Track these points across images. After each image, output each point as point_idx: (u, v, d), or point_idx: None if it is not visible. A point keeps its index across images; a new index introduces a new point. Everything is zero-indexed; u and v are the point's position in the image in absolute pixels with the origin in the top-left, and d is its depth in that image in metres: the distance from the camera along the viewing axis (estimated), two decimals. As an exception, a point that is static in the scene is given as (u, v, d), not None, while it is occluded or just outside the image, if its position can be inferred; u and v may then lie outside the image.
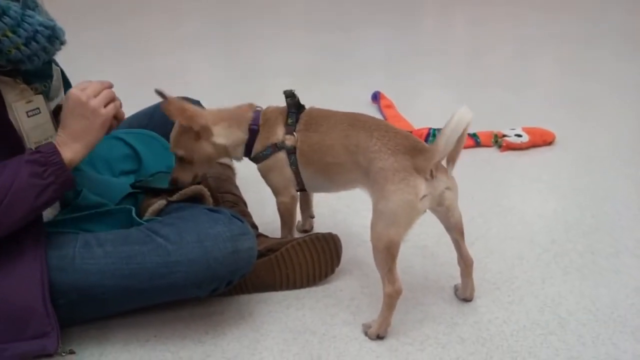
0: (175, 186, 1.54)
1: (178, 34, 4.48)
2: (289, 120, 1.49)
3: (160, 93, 1.46)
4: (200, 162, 1.53)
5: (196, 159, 1.51)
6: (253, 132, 1.51)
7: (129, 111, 1.87)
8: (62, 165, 1.25)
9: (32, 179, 1.23)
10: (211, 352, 1.38)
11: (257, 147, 1.52)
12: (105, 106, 1.30)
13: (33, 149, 1.34)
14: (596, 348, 1.35)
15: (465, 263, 1.47)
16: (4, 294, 1.24)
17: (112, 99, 1.32)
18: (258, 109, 1.54)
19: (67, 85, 1.45)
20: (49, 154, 1.25)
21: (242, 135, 1.52)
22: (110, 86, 1.34)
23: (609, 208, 1.93)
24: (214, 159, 1.57)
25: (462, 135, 1.28)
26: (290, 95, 1.52)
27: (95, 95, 1.29)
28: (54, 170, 1.24)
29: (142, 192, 1.60)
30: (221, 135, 1.50)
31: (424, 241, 1.75)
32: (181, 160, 1.51)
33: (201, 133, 1.47)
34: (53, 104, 1.42)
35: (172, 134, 1.51)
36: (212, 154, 1.53)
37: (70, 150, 1.28)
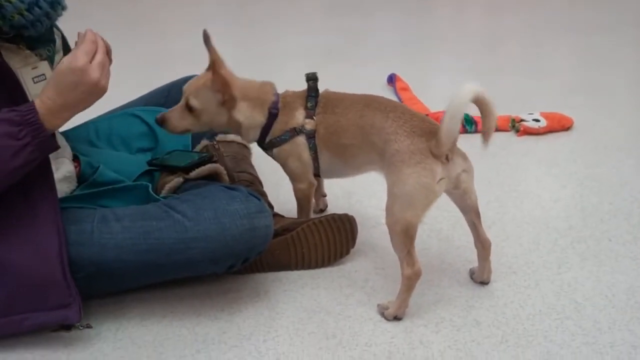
0: (160, 124, 1.48)
1: (194, 15, 4.46)
2: (309, 104, 1.48)
3: (206, 36, 1.44)
4: (205, 123, 1.49)
5: (204, 119, 1.48)
6: (272, 116, 1.49)
7: (144, 91, 1.88)
8: (40, 126, 1.16)
9: (5, 139, 1.14)
10: (227, 329, 1.39)
11: (275, 131, 1.50)
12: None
13: None
14: (612, 334, 1.35)
15: (482, 245, 1.46)
16: (24, 267, 1.25)
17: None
18: (276, 92, 1.52)
19: (68, 50, 1.43)
20: (25, 113, 1.16)
21: (261, 118, 1.49)
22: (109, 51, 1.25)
23: (626, 195, 1.91)
24: (220, 128, 1.54)
25: (487, 112, 1.27)
26: (312, 79, 1.50)
27: (102, 70, 1.19)
28: (30, 131, 1.15)
29: (159, 169, 1.60)
30: (242, 113, 1.48)
31: (440, 224, 1.74)
32: (188, 109, 1.46)
33: (226, 102, 1.46)
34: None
35: (197, 83, 1.46)
36: (222, 124, 1.50)
37: (57, 117, 1.19)
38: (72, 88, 1.17)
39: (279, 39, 3.75)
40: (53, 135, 1.21)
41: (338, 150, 1.48)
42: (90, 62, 1.17)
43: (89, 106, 1.23)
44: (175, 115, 1.48)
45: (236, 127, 1.51)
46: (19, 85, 1.26)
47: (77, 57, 1.17)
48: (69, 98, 1.18)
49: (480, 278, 1.50)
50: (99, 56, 1.19)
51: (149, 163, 1.60)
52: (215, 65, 1.43)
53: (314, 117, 1.47)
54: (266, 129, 1.50)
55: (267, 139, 1.51)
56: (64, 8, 1.32)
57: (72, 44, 1.39)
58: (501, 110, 2.36)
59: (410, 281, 1.36)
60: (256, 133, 1.52)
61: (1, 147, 1.15)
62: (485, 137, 1.32)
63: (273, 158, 1.55)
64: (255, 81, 1.53)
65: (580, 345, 1.32)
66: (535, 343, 1.33)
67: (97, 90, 1.19)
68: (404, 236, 1.33)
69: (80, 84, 1.17)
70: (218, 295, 1.49)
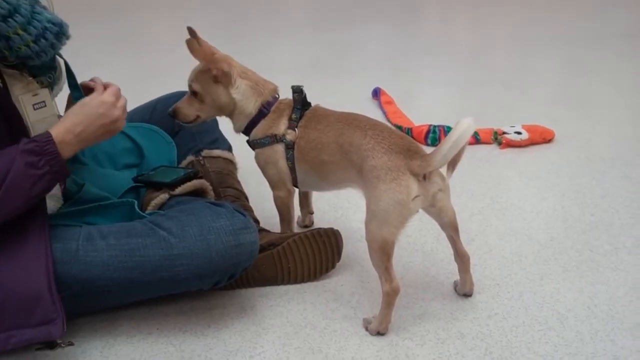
0: (173, 117, 1.57)
1: (182, 30, 4.46)
2: (293, 116, 1.52)
3: (191, 32, 1.53)
4: (209, 106, 1.55)
5: (207, 101, 1.54)
6: (261, 114, 1.54)
7: (132, 105, 1.88)
8: (57, 155, 1.24)
9: (27, 169, 1.22)
10: (213, 345, 1.39)
11: (258, 132, 1.54)
12: None
13: None
14: (594, 344, 1.37)
15: (461, 259, 1.48)
16: (10, 283, 1.25)
17: None
18: (276, 96, 1.57)
19: (71, 77, 1.45)
20: (44, 143, 1.24)
21: (252, 107, 1.54)
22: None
23: (607, 206, 1.94)
24: (222, 111, 1.58)
25: (464, 147, 1.28)
26: (297, 91, 1.54)
27: (123, 112, 1.34)
28: (48, 160, 1.24)
29: (145, 186, 1.60)
30: (240, 92, 1.53)
31: (424, 237, 1.76)
32: (194, 95, 1.55)
33: (220, 78, 1.51)
34: (55, 93, 1.44)
35: (194, 69, 1.54)
36: (223, 104, 1.54)
37: (70, 149, 1.28)
38: (94, 119, 1.29)
39: (266, 53, 3.77)
40: (65, 163, 1.28)
41: (316, 166, 1.50)
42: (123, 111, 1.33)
43: (98, 142, 1.35)
44: (184, 105, 1.56)
45: (231, 109, 1.56)
46: (18, 115, 1.29)
47: (106, 94, 1.32)
48: (88, 129, 1.29)
49: (462, 291, 1.52)
50: (123, 100, 1.35)
51: (135, 179, 1.60)
52: (195, 43, 1.52)
53: (296, 129, 1.50)
54: (253, 123, 1.54)
55: (250, 138, 1.56)
56: (67, 38, 1.35)
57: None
58: (485, 122, 2.43)
59: (389, 297, 1.37)
60: (243, 123, 1.56)
61: (24, 177, 1.22)
62: (453, 167, 1.33)
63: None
64: (261, 76, 1.59)
65: (563, 356, 1.33)
66: (518, 354, 1.34)
67: (114, 128, 1.33)
68: (381, 253, 1.34)
69: (104, 116, 1.30)
70: (204, 312, 1.49)
